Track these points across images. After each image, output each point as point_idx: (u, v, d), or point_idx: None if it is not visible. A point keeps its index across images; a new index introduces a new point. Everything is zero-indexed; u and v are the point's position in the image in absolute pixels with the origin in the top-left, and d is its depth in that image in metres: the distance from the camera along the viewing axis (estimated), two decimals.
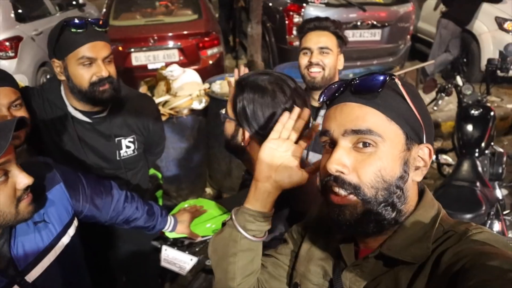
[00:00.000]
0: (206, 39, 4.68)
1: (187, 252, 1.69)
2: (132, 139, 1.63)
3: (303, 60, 1.68)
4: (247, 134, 0.97)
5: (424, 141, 0.70)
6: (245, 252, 0.86)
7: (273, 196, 0.85)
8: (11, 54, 4.46)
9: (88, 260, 1.27)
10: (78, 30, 1.36)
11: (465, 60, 5.43)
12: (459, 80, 2.85)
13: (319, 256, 0.84)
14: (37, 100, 1.50)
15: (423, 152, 0.70)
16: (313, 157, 1.73)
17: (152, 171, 2.15)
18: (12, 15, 4.75)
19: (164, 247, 1.69)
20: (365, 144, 0.67)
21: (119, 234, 1.72)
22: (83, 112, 1.52)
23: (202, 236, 1.65)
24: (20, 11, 4.91)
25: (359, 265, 0.73)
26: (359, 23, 4.77)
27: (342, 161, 0.68)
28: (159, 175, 2.30)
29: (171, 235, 1.63)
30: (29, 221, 1.03)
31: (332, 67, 1.67)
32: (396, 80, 0.68)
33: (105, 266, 1.76)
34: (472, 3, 5.21)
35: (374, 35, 4.88)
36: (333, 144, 0.71)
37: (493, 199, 2.37)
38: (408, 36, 5.15)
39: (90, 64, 1.39)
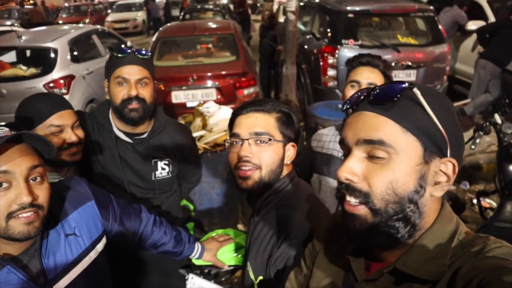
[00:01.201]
0: (243, 79, 4.86)
1: (213, 281, 1.69)
2: (167, 162, 1.72)
3: (350, 92, 1.67)
4: None
5: (448, 155, 0.66)
6: None
7: None
8: (64, 90, 4.86)
9: (115, 281, 1.31)
10: (120, 55, 1.56)
11: (507, 100, 5.26)
12: (497, 118, 2.77)
13: (329, 270, 0.82)
14: (87, 122, 1.66)
15: (446, 167, 0.66)
16: (323, 180, 1.75)
17: (184, 202, 2.20)
18: (68, 57, 5.20)
19: (190, 275, 1.70)
20: (376, 155, 0.66)
21: (147, 259, 1.76)
22: (126, 133, 1.66)
23: (229, 266, 1.66)
24: (75, 53, 5.36)
25: (372, 280, 0.71)
26: (393, 64, 4.79)
27: (353, 169, 0.67)
28: (191, 207, 2.35)
29: (197, 262, 1.64)
30: (61, 233, 1.10)
31: None
32: (415, 89, 0.65)
33: None
34: (511, 43, 5.12)
35: (409, 76, 4.88)
36: (348, 152, 0.71)
37: None
38: (445, 77, 5.09)
39: (123, 84, 1.56)
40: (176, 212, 1.85)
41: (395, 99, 0.66)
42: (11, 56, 5.46)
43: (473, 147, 2.91)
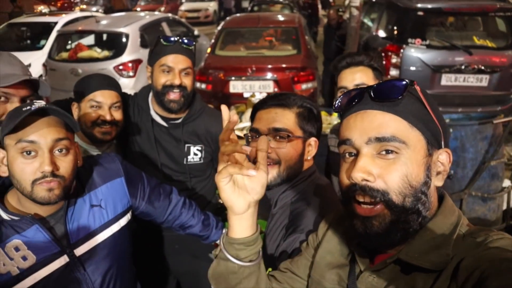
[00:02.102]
0: (302, 73, 4.82)
1: None
2: (200, 148, 1.78)
3: None
4: None
5: (443, 146, 0.71)
6: (248, 277, 0.83)
7: (252, 216, 0.80)
8: (131, 73, 5.19)
9: (142, 257, 1.38)
10: (167, 43, 1.63)
11: None
12: None
13: (333, 262, 0.83)
14: (129, 104, 1.78)
15: (442, 157, 0.71)
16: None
17: None
18: (138, 42, 5.53)
19: None
20: (388, 151, 0.67)
21: (176, 239, 1.84)
22: (162, 117, 1.75)
23: (208, 275, 1.68)
24: (145, 39, 5.68)
25: (376, 270, 0.72)
26: (463, 67, 4.47)
27: (368, 168, 0.67)
28: None
29: None
30: (87, 202, 1.19)
31: None
32: (416, 86, 0.69)
33: (160, 268, 1.89)
34: None
35: (480, 81, 4.51)
36: (354, 153, 0.71)
37: None
38: None
39: (168, 72, 1.64)
40: (209, 197, 1.90)
41: (400, 97, 0.68)
42: (89, 40, 5.93)
43: None
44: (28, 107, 1.00)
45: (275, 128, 1.15)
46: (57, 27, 6.48)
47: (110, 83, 1.64)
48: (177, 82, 1.63)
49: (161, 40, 1.64)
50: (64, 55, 5.54)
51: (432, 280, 0.64)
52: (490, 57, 4.54)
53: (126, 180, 1.31)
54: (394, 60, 4.64)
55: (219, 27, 5.69)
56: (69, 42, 5.85)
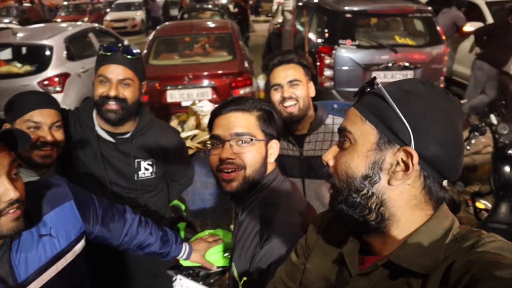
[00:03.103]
0: (239, 78, 4.83)
1: (201, 283, 1.66)
2: (150, 162, 1.70)
3: (276, 97, 1.67)
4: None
5: (413, 146, 0.67)
6: None
7: None
8: (58, 88, 4.84)
9: (99, 284, 1.28)
10: (107, 53, 1.55)
11: (503, 102, 5.25)
12: (493, 118, 2.75)
13: (324, 267, 0.82)
14: (70, 120, 1.64)
15: (404, 156, 0.68)
16: (310, 183, 1.72)
17: (175, 202, 2.17)
18: (64, 54, 5.17)
19: (178, 277, 1.67)
20: (343, 141, 0.74)
21: (133, 260, 1.73)
22: (108, 132, 1.64)
23: (217, 267, 1.63)
24: (71, 51, 5.34)
25: (366, 274, 0.71)
26: (390, 65, 4.78)
27: (330, 153, 0.77)
28: (183, 207, 2.32)
29: (185, 263, 1.61)
30: (35, 233, 1.06)
31: (305, 97, 1.66)
32: (377, 80, 0.71)
33: None
34: (508, 45, 5.12)
35: (406, 76, 4.85)
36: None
37: None
38: (442, 78, 5.08)
39: (105, 82, 1.55)
40: (162, 212, 1.82)
41: (360, 94, 0.74)
42: (6, 54, 5.43)
43: (468, 147, 2.88)
44: None
45: (237, 133, 1.12)
46: None
47: (48, 101, 1.50)
48: (112, 93, 1.53)
49: (102, 50, 1.56)
50: None
51: (423, 283, 0.64)
52: (412, 54, 4.92)
53: (76, 203, 1.19)
54: (327, 61, 4.83)
55: (151, 36, 5.51)
56: None
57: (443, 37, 5.07)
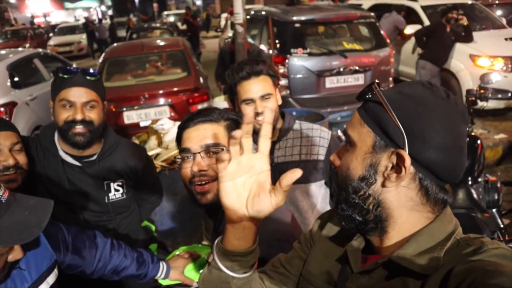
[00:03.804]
0: (196, 94, 4.81)
1: None
2: (120, 183, 1.65)
3: (248, 110, 1.62)
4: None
5: (406, 150, 0.67)
6: (241, 287, 0.82)
7: (251, 229, 0.77)
8: (6, 118, 4.54)
9: None
10: (65, 76, 1.49)
11: None
12: None
13: (326, 261, 0.83)
14: (31, 147, 1.56)
15: (396, 159, 0.69)
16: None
17: (145, 223, 2.11)
18: (8, 83, 4.91)
19: None
20: (347, 143, 0.77)
21: (111, 284, 1.65)
22: (73, 156, 1.57)
23: (197, 282, 1.60)
24: (16, 78, 5.08)
25: (367, 271, 0.72)
26: (342, 69, 4.97)
27: (336, 154, 0.80)
28: (153, 228, 2.26)
29: (164, 283, 1.57)
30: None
31: (276, 108, 1.66)
32: (374, 85, 0.72)
33: None
34: (446, 44, 5.50)
35: (357, 80, 5.07)
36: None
37: (492, 225, 2.34)
38: (390, 79, 5.35)
39: (69, 107, 1.49)
40: (136, 233, 1.77)
41: (362, 98, 0.75)
42: None
43: None
44: None
45: (207, 144, 1.11)
46: None
47: (4, 124, 1.42)
48: (79, 117, 1.48)
49: (60, 72, 1.49)
50: None
51: (422, 284, 0.65)
52: (361, 58, 5.14)
53: (45, 233, 1.13)
54: (281, 70, 4.94)
55: (101, 58, 5.38)
56: None
57: (388, 40, 5.35)
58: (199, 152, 1.11)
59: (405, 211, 0.71)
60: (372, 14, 5.45)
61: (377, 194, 0.71)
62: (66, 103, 1.48)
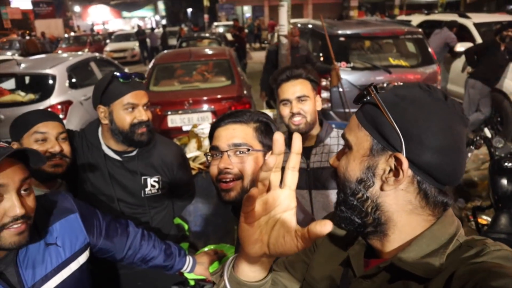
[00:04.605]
0: (238, 103, 4.92)
1: None
2: (157, 179, 1.74)
3: (285, 111, 1.73)
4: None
5: (404, 153, 0.67)
6: None
7: (271, 261, 0.75)
8: (61, 116, 4.91)
9: None
10: (125, 81, 1.58)
11: (499, 119, 5.34)
12: (487, 132, 2.81)
13: (328, 266, 0.83)
14: (77, 140, 1.69)
15: (394, 162, 0.69)
16: (317, 194, 1.75)
17: (178, 220, 2.20)
18: (67, 83, 5.29)
19: None
20: (345, 146, 0.77)
21: (138, 276, 1.74)
22: (115, 151, 1.68)
23: None
24: (73, 79, 5.46)
25: (369, 276, 0.72)
26: (385, 85, 4.84)
27: (335, 156, 0.80)
28: (186, 226, 2.34)
29: (190, 276, 1.63)
30: (42, 242, 1.10)
31: (312, 112, 1.72)
32: (371, 88, 0.72)
33: None
34: (499, 63, 5.26)
35: None
36: None
37: None
38: None
39: (132, 110, 1.59)
40: (168, 228, 1.85)
41: (359, 101, 0.75)
42: (10, 84, 5.55)
43: None
44: None
45: (234, 143, 1.16)
46: None
47: (51, 115, 1.56)
48: (145, 118, 1.60)
49: (118, 78, 1.59)
50: None
51: (424, 286, 0.64)
52: (406, 74, 5.04)
53: (81, 216, 1.23)
54: (324, 83, 4.94)
55: (151, 64, 5.66)
56: None
57: (435, 57, 5.20)
58: (227, 151, 1.16)
59: (404, 214, 0.71)
60: (420, 30, 5.34)
61: (375, 197, 0.71)
62: (130, 106, 1.58)
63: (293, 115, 1.70)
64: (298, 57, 5.09)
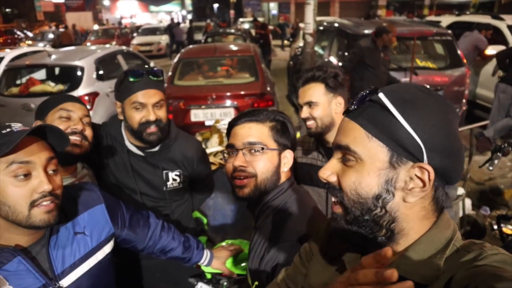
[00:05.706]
0: (261, 99, 4.93)
1: None
2: (178, 173, 1.77)
3: (301, 114, 1.75)
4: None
5: (425, 161, 0.64)
6: None
7: None
8: (88, 106, 5.02)
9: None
10: (135, 79, 1.56)
11: None
12: None
13: (325, 274, 0.83)
14: (101, 133, 1.72)
15: (420, 172, 0.65)
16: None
17: (197, 214, 2.23)
18: (94, 75, 5.44)
19: (199, 284, 1.71)
20: (346, 158, 0.70)
21: (156, 267, 1.79)
22: (138, 147, 1.71)
23: (238, 275, 1.67)
24: (100, 72, 5.60)
25: None
26: None
27: (328, 169, 0.73)
28: (205, 220, 2.37)
29: (206, 270, 1.66)
30: (71, 231, 1.15)
31: (323, 116, 1.69)
32: (381, 94, 0.66)
33: None
34: None
35: None
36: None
37: None
38: (464, 100, 5.06)
39: (141, 109, 1.58)
40: (187, 221, 1.89)
41: (362, 105, 0.69)
42: (41, 74, 5.74)
43: (491, 168, 2.84)
44: (14, 129, 0.96)
45: (249, 142, 1.18)
46: (4, 62, 6.22)
47: (79, 100, 1.58)
48: (152, 118, 1.57)
49: (128, 76, 1.56)
50: (15, 90, 5.30)
51: None
52: (433, 77, 4.94)
53: (106, 207, 1.27)
54: (349, 82, 4.89)
55: (176, 58, 5.73)
56: (19, 76, 5.62)
57: (464, 60, 5.07)
58: (241, 149, 1.18)
59: (417, 221, 0.69)
60: (449, 31, 5.21)
61: (394, 210, 0.67)
62: (137, 105, 1.56)
63: (304, 119, 1.74)
64: (388, 60, 4.78)
